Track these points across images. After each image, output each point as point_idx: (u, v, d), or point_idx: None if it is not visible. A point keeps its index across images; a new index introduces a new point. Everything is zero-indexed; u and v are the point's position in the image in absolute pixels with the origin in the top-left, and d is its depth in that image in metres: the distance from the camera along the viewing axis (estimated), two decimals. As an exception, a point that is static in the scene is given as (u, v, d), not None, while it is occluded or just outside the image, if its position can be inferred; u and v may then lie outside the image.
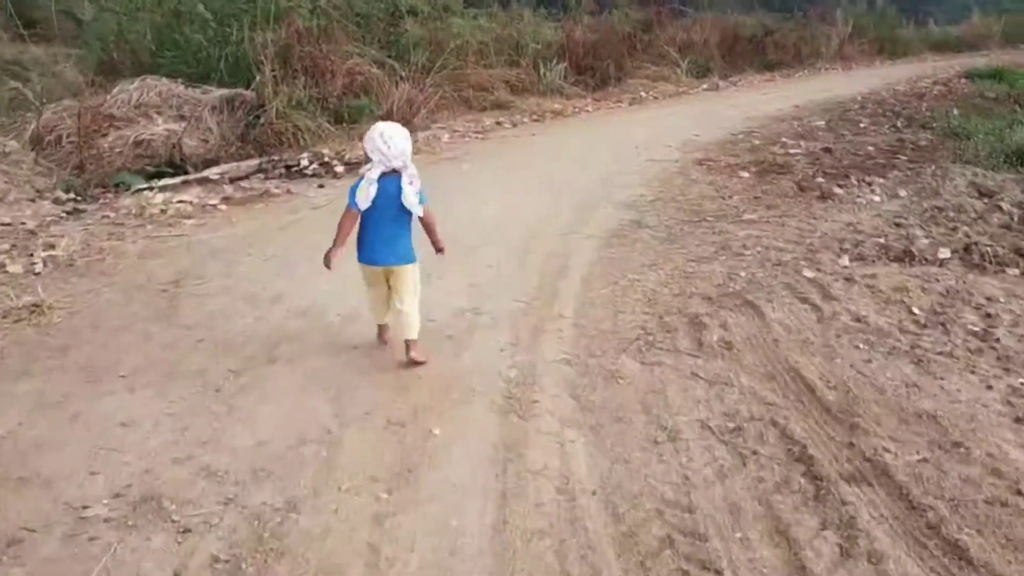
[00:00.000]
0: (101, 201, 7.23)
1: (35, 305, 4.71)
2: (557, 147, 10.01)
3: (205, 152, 9.34)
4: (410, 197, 3.75)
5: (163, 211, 6.55)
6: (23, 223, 6.24)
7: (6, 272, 5.32)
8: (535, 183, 8.08)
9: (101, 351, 4.21)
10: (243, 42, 10.96)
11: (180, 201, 6.93)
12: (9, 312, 4.67)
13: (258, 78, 10.39)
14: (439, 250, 4.10)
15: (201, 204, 6.95)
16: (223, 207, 6.98)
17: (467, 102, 13.58)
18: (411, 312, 4.04)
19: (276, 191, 7.31)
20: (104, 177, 8.08)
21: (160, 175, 8.14)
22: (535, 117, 12.73)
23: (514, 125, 11.99)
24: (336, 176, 8.23)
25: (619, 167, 8.72)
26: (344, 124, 11.29)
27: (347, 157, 8.89)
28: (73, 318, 4.63)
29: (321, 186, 7.71)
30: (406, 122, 13.21)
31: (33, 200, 6.85)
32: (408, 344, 4.09)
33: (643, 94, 16.14)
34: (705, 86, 18.35)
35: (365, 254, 3.96)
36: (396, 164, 3.75)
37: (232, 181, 7.72)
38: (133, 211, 6.59)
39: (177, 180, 7.78)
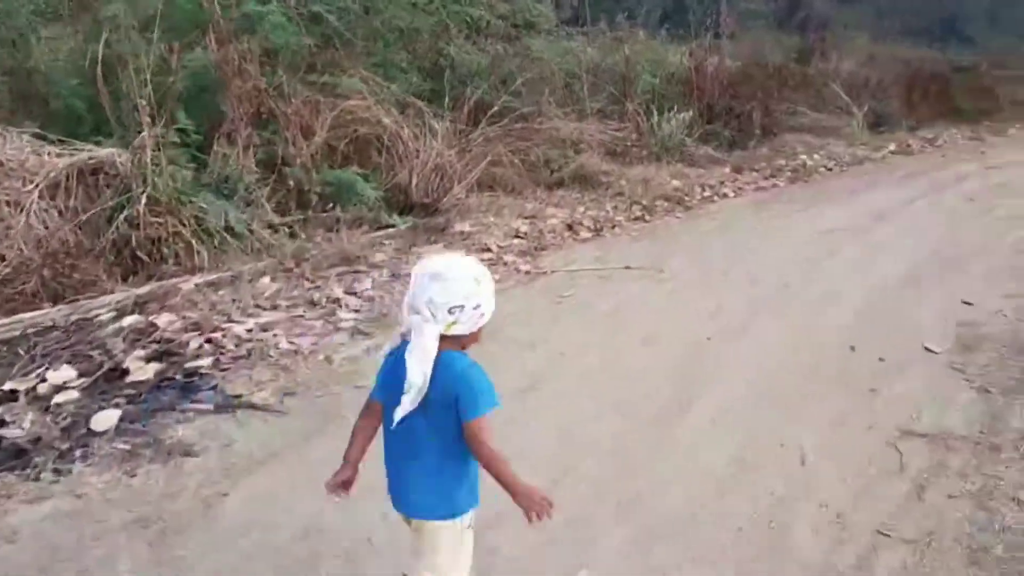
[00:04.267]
0: None
1: None
2: (670, 316, 4.93)
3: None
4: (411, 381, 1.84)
5: None
6: None
7: None
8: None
9: None
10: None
11: None
12: None
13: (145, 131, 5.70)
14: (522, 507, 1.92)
15: None
16: None
17: (534, 172, 8.63)
18: None
19: None
20: None
21: None
22: (638, 212, 7.60)
23: (597, 230, 6.89)
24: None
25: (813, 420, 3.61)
26: (310, 217, 6.54)
27: (245, 339, 3.99)
28: None
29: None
30: (428, 210, 8.39)
31: None
32: None
33: (806, 160, 10.80)
34: (892, 147, 12.81)
35: (389, 487, 2.03)
36: (407, 324, 1.89)
37: None
38: None
39: None
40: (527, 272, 5.56)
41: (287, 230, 6.14)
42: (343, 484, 2.00)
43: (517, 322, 4.49)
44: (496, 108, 8.71)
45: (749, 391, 3.74)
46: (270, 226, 6.16)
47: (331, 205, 6.96)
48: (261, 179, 6.52)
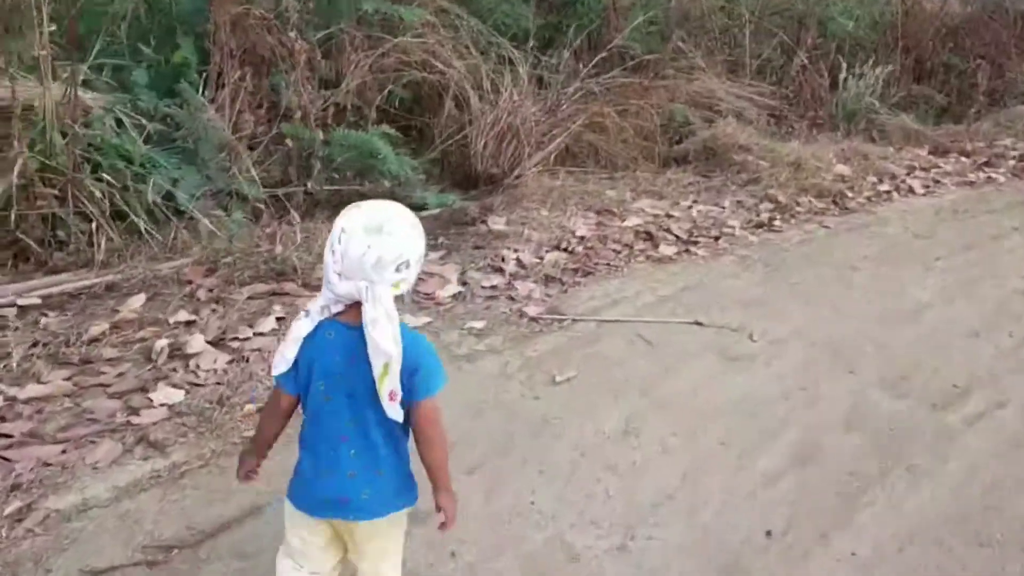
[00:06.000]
0: None
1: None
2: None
3: None
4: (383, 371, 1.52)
5: None
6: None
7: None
8: None
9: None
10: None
11: None
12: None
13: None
14: (439, 507, 1.68)
15: None
16: None
17: (649, 142, 6.60)
18: None
19: None
20: None
21: None
22: (766, 213, 5.41)
23: (690, 243, 4.78)
24: None
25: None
26: (316, 192, 5.00)
27: None
28: None
29: None
30: (496, 186, 6.47)
31: None
32: None
33: (1046, 146, 7.94)
34: None
35: (297, 488, 1.68)
36: (344, 291, 1.51)
37: None
38: None
39: None
40: (532, 320, 3.60)
41: (264, 210, 4.63)
42: (254, 470, 1.73)
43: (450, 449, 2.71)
44: (604, 54, 6.70)
45: None
46: (244, 201, 4.70)
47: (356, 177, 5.47)
48: (253, 137, 5.07)
